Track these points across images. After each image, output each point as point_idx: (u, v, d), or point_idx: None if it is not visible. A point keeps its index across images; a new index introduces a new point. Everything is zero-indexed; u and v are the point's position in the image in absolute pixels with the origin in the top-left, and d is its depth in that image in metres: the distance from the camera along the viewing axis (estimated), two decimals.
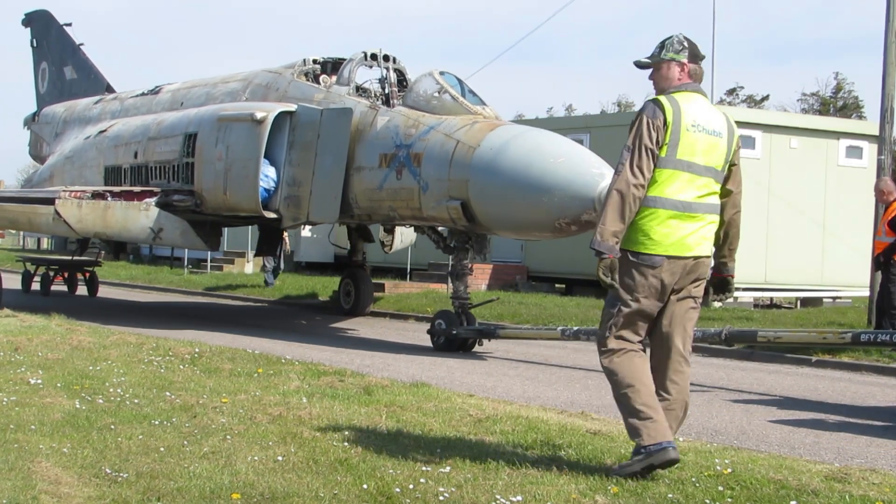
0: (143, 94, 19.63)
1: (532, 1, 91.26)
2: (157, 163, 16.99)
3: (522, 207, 12.03)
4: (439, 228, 14.30)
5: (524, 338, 13.61)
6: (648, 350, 5.88)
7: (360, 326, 16.55)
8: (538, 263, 23.11)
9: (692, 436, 7.38)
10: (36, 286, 22.72)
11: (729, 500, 5.31)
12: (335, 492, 5.30)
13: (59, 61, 23.47)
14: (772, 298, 21.88)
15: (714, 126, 5.71)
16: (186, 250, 28.69)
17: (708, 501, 5.26)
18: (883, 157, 15.30)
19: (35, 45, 24.32)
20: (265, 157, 14.88)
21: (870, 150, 21.08)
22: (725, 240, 5.98)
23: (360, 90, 15.15)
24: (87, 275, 22.43)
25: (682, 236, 5.61)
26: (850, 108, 48.38)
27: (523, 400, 9.03)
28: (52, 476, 5.48)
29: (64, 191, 16.34)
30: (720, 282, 6.09)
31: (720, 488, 5.46)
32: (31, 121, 23.51)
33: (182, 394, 8.13)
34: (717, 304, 17.51)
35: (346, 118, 14.24)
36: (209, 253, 27.40)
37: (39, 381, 8.47)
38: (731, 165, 5.85)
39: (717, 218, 5.78)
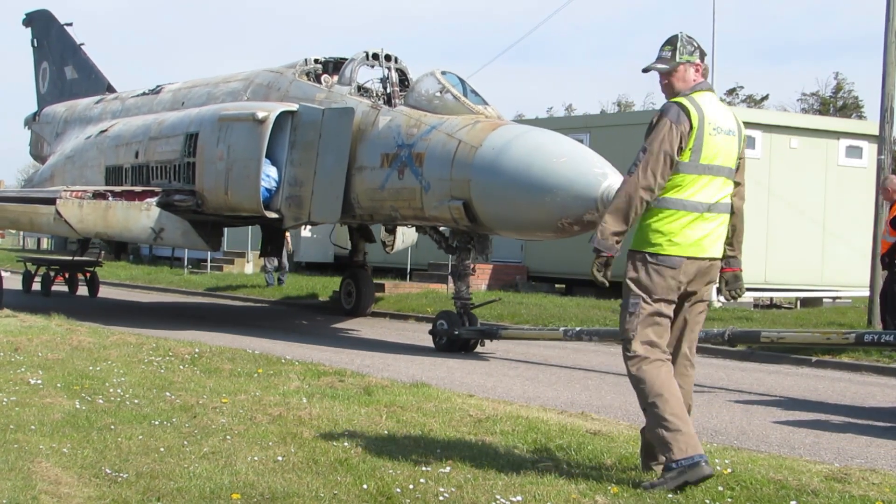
0: (144, 93, 19.63)
1: (532, 1, 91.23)
2: (158, 162, 16.98)
3: (525, 207, 12.02)
4: (441, 228, 14.30)
5: (526, 338, 13.61)
6: None
7: (360, 327, 16.55)
8: (538, 263, 23.11)
9: None
10: (37, 286, 22.74)
11: (729, 500, 5.31)
12: (335, 492, 5.30)
13: (60, 61, 23.47)
14: (772, 298, 21.87)
15: (729, 125, 5.71)
16: (186, 250, 28.72)
17: (708, 501, 5.26)
18: (883, 156, 15.29)
19: (36, 44, 24.32)
20: (266, 156, 14.88)
21: (870, 149, 21.08)
22: (734, 233, 5.95)
23: (362, 90, 15.13)
24: (88, 275, 22.44)
25: (700, 237, 5.59)
26: (850, 108, 48.28)
27: (523, 400, 9.03)
28: (52, 476, 5.48)
29: (65, 191, 16.33)
30: (732, 276, 6.04)
31: (720, 488, 5.46)
32: (31, 121, 23.51)
33: (182, 394, 8.13)
34: (724, 302, 17.44)
35: (347, 118, 14.23)
36: (209, 253, 27.42)
37: (39, 382, 8.47)
38: (738, 158, 5.87)
39: (728, 217, 5.77)
